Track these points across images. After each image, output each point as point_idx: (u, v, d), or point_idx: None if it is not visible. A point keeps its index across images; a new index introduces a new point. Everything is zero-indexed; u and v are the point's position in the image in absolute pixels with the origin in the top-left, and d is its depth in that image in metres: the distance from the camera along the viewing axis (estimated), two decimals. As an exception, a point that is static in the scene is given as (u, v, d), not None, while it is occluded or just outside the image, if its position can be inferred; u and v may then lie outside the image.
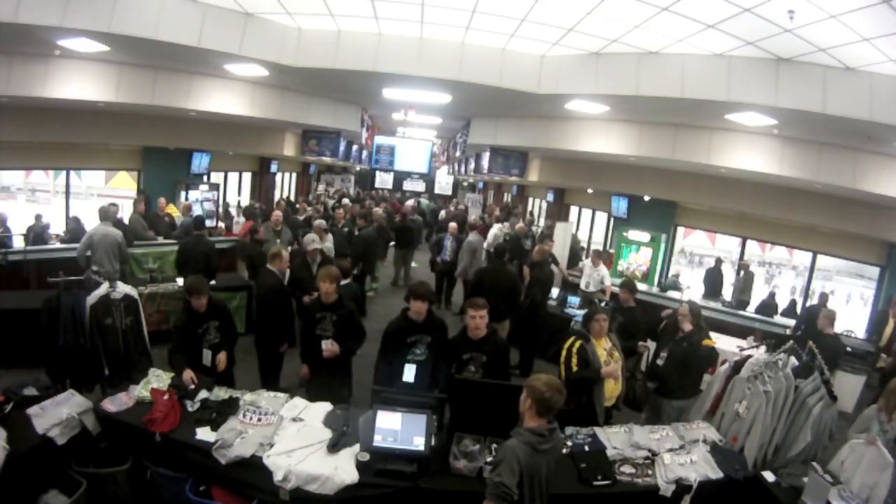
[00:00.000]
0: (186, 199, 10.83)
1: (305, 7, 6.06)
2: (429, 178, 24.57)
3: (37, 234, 7.70)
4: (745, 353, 4.40)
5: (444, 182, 25.08)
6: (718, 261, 10.53)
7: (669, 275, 11.20)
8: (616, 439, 3.58)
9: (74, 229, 7.98)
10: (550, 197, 15.42)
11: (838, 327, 7.99)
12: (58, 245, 7.62)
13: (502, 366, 3.81)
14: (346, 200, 12.83)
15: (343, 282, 4.75)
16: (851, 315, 10.47)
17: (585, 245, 13.88)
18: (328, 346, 3.98)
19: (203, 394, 3.59)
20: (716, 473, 3.35)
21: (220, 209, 12.43)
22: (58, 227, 8.75)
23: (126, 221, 7.82)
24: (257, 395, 3.70)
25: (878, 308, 8.81)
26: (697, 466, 3.36)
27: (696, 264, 14.57)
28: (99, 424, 3.38)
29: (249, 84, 8.34)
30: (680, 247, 13.31)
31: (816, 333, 5.77)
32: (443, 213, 15.50)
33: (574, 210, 15.28)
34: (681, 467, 3.33)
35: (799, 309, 9.25)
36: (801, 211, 8.76)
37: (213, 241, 7.93)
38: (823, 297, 7.52)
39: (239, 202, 14.36)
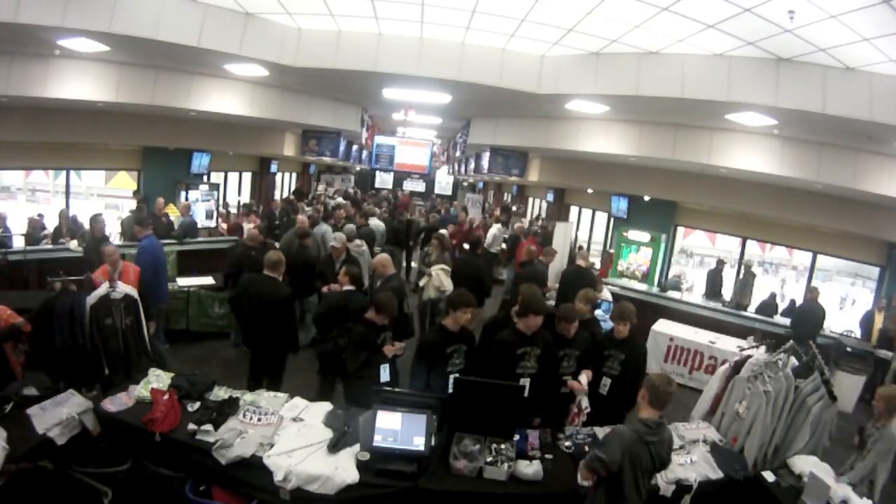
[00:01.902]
0: (186, 199, 10.82)
1: (305, 7, 6.06)
2: (429, 178, 24.62)
3: (30, 234, 7.68)
4: (745, 353, 4.40)
5: (444, 182, 25.10)
6: (720, 262, 10.52)
7: (671, 275, 11.20)
8: (616, 439, 3.57)
9: (72, 229, 7.98)
10: (550, 197, 15.43)
11: (838, 328, 8.09)
12: (54, 245, 7.59)
13: (553, 356, 3.85)
14: (330, 200, 12.25)
15: (346, 287, 4.53)
16: (851, 316, 10.49)
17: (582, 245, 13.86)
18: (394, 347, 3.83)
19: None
20: (716, 473, 3.35)
21: (220, 209, 12.42)
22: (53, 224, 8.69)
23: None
24: (257, 395, 3.70)
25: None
26: (697, 466, 3.36)
27: (696, 265, 14.56)
28: (99, 424, 3.38)
29: (249, 84, 8.35)
30: (680, 247, 13.30)
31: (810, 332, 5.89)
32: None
33: (574, 210, 15.28)
34: (681, 467, 3.33)
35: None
36: (801, 211, 8.76)
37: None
38: (814, 293, 7.54)
39: (239, 202, 14.36)
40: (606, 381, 3.93)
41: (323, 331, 4.37)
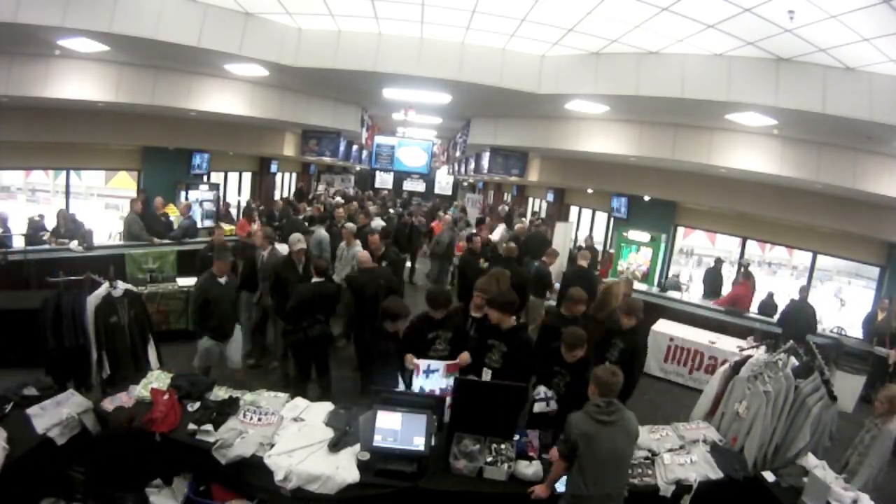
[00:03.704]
0: (186, 199, 10.81)
1: (305, 7, 6.06)
2: (429, 178, 24.65)
3: (30, 235, 7.67)
4: (745, 353, 4.40)
5: (444, 182, 25.10)
6: (718, 261, 10.52)
7: (670, 275, 11.20)
8: (616, 439, 3.57)
9: (72, 229, 7.97)
10: (550, 197, 15.42)
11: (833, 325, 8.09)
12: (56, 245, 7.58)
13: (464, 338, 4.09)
14: (331, 200, 12.12)
15: (315, 279, 4.88)
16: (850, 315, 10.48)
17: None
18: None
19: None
20: (716, 473, 3.36)
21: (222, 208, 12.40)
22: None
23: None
24: (257, 395, 3.70)
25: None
26: (697, 466, 3.37)
27: (696, 264, 14.55)
28: (99, 424, 3.38)
29: (249, 84, 8.34)
30: (680, 246, 13.29)
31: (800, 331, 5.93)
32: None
33: (574, 210, 15.28)
34: (681, 467, 3.33)
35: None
36: (801, 211, 8.75)
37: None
38: (803, 292, 7.55)
39: (239, 202, 14.36)
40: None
41: (294, 322, 4.64)
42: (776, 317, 7.94)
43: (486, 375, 3.84)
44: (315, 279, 4.90)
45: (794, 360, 3.98)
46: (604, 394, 2.83)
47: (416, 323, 4.02)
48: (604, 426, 2.75)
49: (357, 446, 3.14)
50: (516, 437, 3.35)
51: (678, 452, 3.49)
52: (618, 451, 2.78)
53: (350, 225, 7.52)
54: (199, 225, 9.97)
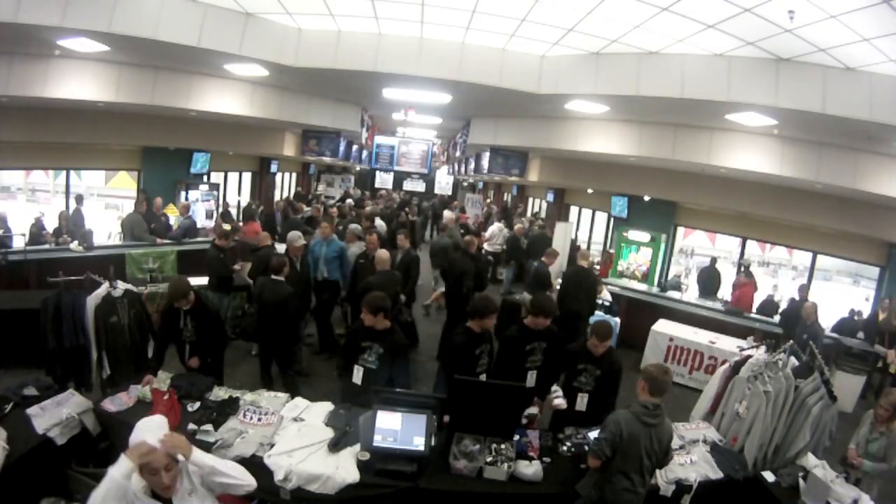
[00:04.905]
0: (186, 199, 10.81)
1: (305, 7, 6.06)
2: (429, 178, 24.66)
3: (33, 235, 7.69)
4: (745, 353, 4.40)
5: (444, 182, 25.11)
6: (713, 260, 10.52)
7: (671, 275, 11.20)
8: (616, 439, 3.57)
9: (72, 230, 7.98)
10: (550, 197, 15.43)
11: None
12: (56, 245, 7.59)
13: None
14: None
15: (274, 277, 4.90)
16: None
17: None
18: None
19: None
20: (716, 473, 3.36)
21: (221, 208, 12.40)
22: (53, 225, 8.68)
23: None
24: (257, 395, 3.70)
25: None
26: (697, 466, 3.37)
27: (696, 265, 14.57)
28: (99, 424, 3.38)
29: (249, 84, 8.34)
30: (680, 246, 13.30)
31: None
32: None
33: (574, 210, 15.29)
34: (681, 467, 3.33)
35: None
36: (801, 211, 8.75)
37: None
38: (803, 291, 7.54)
39: (239, 202, 14.37)
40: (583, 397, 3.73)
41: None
42: (776, 317, 7.95)
43: (532, 378, 3.83)
44: (273, 277, 4.79)
45: (794, 360, 3.98)
46: (654, 392, 2.84)
47: (463, 341, 3.74)
48: (647, 427, 2.80)
49: (357, 446, 3.14)
50: (516, 437, 3.35)
51: (678, 452, 3.48)
52: (650, 452, 2.83)
53: (354, 226, 7.52)
54: (198, 225, 9.98)
